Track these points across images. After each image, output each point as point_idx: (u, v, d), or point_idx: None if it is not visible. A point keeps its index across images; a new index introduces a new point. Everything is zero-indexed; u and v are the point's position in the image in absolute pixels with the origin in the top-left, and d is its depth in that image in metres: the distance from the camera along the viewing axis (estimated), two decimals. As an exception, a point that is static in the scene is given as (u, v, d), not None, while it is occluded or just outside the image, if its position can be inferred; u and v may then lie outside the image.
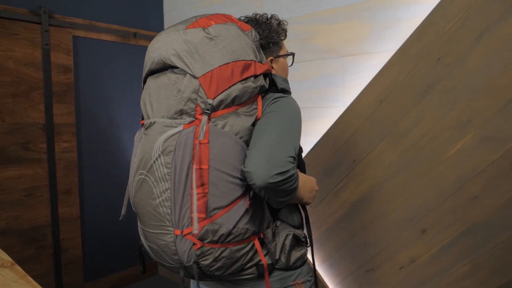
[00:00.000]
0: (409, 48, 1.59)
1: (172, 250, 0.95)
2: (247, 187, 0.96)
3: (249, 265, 1.01)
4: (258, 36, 1.06)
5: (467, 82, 1.44)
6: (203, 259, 0.94)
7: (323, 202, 1.93)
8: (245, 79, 0.96)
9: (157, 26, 2.92)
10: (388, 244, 1.71)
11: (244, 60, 0.96)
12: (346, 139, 1.82)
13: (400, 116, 1.63)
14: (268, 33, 1.16)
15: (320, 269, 1.99)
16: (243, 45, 0.97)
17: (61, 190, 2.39)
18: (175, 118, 0.94)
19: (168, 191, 0.93)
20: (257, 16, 1.20)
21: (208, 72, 0.92)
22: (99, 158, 2.61)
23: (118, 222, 2.72)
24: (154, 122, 0.96)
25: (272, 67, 1.18)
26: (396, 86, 1.63)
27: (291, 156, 0.90)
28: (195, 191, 0.88)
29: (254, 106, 1.00)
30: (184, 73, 0.93)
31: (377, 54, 1.74)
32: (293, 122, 1.00)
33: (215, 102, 0.92)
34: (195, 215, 0.89)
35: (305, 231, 1.15)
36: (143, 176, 0.97)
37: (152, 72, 1.03)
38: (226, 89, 0.93)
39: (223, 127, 0.93)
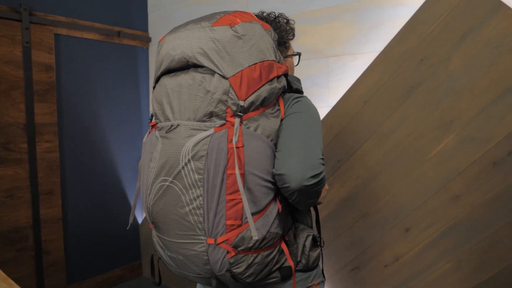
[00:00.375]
0: (393, 49, 1.61)
1: (203, 260, 0.91)
2: (277, 191, 0.95)
3: (274, 268, 0.99)
4: (277, 36, 1.03)
5: (450, 83, 1.47)
6: (236, 266, 0.91)
7: (308, 201, 1.94)
8: (271, 80, 0.93)
9: (141, 25, 2.89)
10: (373, 243, 1.73)
11: (268, 60, 0.93)
12: (331, 139, 1.83)
13: (384, 117, 1.65)
14: (279, 33, 1.14)
15: (306, 268, 2.00)
16: (267, 45, 0.94)
17: (43, 191, 2.34)
18: (204, 121, 0.89)
19: (200, 198, 0.88)
20: (264, 14, 1.17)
21: (238, 72, 0.88)
22: (82, 158, 2.56)
23: (101, 223, 2.69)
24: (178, 125, 0.91)
25: None
26: (380, 87, 1.65)
27: (322, 158, 0.90)
28: (244, 197, 0.84)
29: (277, 107, 0.97)
30: (212, 72, 0.89)
31: (362, 54, 1.75)
32: (318, 124, 0.99)
33: (246, 103, 0.88)
34: (250, 218, 0.85)
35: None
36: (167, 183, 0.91)
37: (168, 71, 0.98)
38: (256, 91, 0.90)
39: (255, 130, 0.90)
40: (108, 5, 2.67)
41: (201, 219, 0.89)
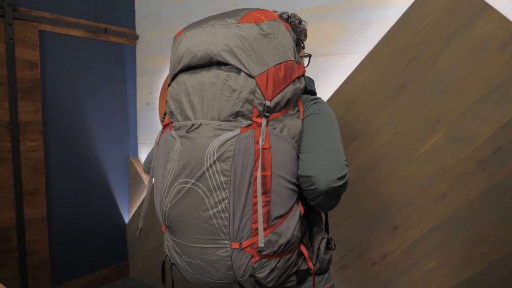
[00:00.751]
0: (382, 49, 1.62)
1: (226, 265, 0.87)
2: (299, 193, 0.94)
3: (292, 272, 0.98)
4: (295, 36, 1.01)
5: (437, 83, 1.49)
6: (260, 271, 0.88)
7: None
8: (294, 80, 0.91)
9: (129, 22, 2.85)
10: (361, 241, 1.75)
11: (290, 60, 0.91)
12: (320, 138, 1.83)
13: (372, 116, 1.66)
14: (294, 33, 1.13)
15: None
16: (289, 45, 0.92)
17: (27, 191, 2.30)
18: (230, 121, 0.85)
19: (226, 201, 0.84)
20: (278, 14, 1.15)
21: (264, 71, 0.85)
22: (67, 157, 2.52)
23: (87, 222, 2.65)
24: (200, 125, 0.87)
25: None
26: (369, 87, 1.67)
27: (346, 160, 0.90)
28: (259, 200, 0.81)
29: (297, 108, 0.96)
30: (237, 71, 0.86)
31: (350, 54, 1.77)
32: (337, 126, 0.99)
33: (272, 104, 0.86)
34: (260, 226, 0.81)
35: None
36: (188, 185, 0.87)
37: (188, 68, 0.93)
38: (282, 91, 0.88)
39: (281, 131, 0.88)
40: (95, 1, 2.63)
41: (225, 222, 0.85)
